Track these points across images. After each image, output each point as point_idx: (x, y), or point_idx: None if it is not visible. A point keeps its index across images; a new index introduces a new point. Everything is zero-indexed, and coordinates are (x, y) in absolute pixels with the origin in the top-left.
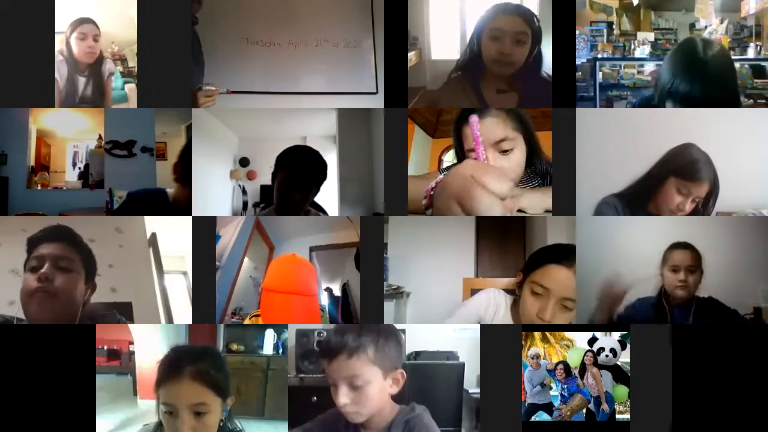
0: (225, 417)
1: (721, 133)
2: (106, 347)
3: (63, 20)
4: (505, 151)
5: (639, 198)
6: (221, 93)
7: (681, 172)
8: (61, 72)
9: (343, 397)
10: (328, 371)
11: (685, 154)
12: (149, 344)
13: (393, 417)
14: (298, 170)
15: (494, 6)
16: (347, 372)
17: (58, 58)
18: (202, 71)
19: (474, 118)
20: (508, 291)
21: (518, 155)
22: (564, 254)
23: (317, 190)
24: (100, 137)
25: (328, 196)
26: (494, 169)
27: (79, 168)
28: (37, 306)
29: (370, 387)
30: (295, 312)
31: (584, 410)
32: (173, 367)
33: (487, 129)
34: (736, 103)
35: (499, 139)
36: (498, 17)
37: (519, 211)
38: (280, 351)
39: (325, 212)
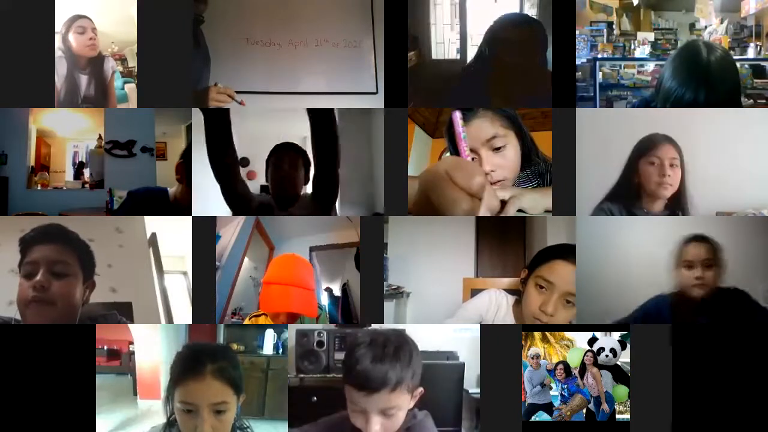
0: (237, 414)
1: (721, 133)
2: (106, 347)
3: (63, 20)
4: (497, 149)
5: (626, 194)
6: (236, 101)
7: (643, 150)
8: (59, 70)
9: (376, 426)
10: (361, 401)
11: (644, 138)
12: (149, 344)
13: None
14: (282, 151)
15: (505, 16)
16: (387, 404)
17: (57, 54)
18: (209, 70)
19: (456, 114)
20: (509, 291)
21: (512, 152)
22: (570, 252)
23: (306, 171)
24: (100, 137)
25: None
26: (468, 164)
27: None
28: (35, 315)
29: (401, 413)
30: (294, 301)
31: (584, 410)
32: (194, 365)
33: (476, 129)
34: (737, 106)
35: (489, 137)
36: (510, 29)
37: (519, 211)
38: (280, 351)
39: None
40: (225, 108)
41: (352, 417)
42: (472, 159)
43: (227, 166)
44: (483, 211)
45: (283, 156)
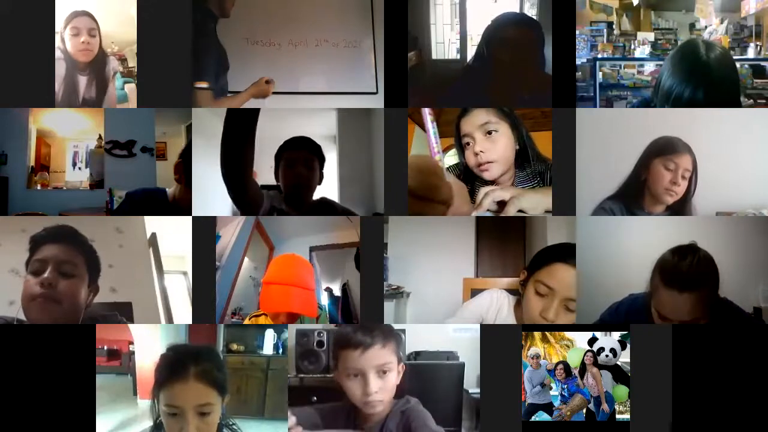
0: (223, 414)
1: (721, 133)
2: (106, 347)
3: (63, 20)
4: (489, 133)
5: (634, 193)
6: None
7: (663, 151)
8: (58, 70)
9: (374, 385)
10: (357, 362)
11: (663, 139)
12: (149, 344)
13: (389, 410)
14: (297, 147)
15: (501, 16)
16: (381, 360)
17: (56, 54)
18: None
19: (425, 110)
20: (510, 291)
21: (503, 139)
22: (570, 253)
23: (320, 170)
24: (100, 137)
25: (328, 196)
26: (428, 167)
27: (80, 168)
28: (39, 311)
29: (392, 375)
30: (294, 301)
31: (584, 410)
32: (177, 368)
33: (473, 116)
34: (736, 104)
35: (483, 123)
36: (506, 28)
37: (519, 211)
38: (280, 351)
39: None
40: (255, 108)
41: (356, 388)
42: (467, 144)
43: (244, 170)
44: (451, 214)
45: (298, 155)
